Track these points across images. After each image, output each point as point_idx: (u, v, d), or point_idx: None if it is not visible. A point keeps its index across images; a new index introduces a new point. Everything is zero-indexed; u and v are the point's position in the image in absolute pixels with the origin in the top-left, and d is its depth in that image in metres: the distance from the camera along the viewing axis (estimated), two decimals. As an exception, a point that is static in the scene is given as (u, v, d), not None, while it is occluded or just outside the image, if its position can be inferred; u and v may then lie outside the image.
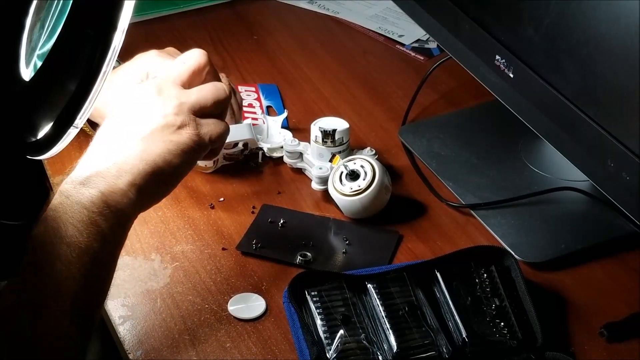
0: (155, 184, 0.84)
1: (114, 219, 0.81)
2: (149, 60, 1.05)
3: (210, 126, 0.88)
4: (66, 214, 0.80)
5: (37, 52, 0.86)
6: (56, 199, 0.81)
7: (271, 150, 1.11)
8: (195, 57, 0.92)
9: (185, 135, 0.85)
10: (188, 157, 0.86)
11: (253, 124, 1.12)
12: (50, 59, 0.82)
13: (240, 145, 1.10)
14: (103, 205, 0.80)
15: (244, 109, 1.18)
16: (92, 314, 0.81)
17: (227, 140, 1.05)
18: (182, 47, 1.10)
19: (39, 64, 0.84)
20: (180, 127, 0.85)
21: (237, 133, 1.07)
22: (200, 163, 1.10)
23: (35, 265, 0.79)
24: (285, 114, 1.15)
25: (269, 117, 1.14)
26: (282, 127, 1.14)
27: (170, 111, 0.86)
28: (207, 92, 0.89)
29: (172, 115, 0.86)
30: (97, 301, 0.82)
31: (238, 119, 1.10)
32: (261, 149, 1.11)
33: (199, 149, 0.87)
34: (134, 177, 0.82)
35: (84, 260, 0.78)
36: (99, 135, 0.87)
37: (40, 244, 0.79)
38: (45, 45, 0.85)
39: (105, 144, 0.85)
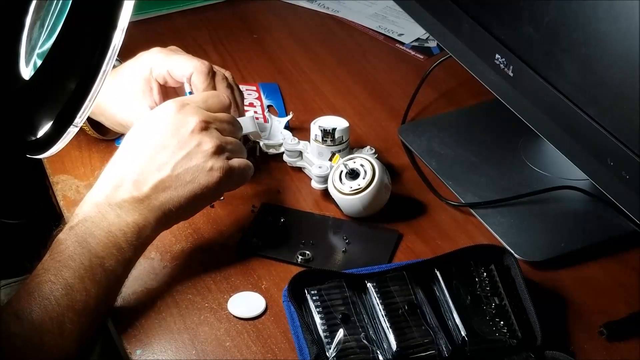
0: (179, 218, 0.92)
1: (140, 247, 0.89)
2: (152, 56, 1.06)
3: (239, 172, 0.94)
4: (101, 233, 0.86)
5: (37, 51, 0.87)
6: (89, 211, 0.87)
7: (268, 146, 1.11)
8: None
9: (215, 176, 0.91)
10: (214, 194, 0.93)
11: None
12: (50, 57, 0.82)
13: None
14: (133, 237, 0.87)
15: (245, 108, 1.18)
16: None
17: None
18: (183, 47, 1.11)
19: (39, 62, 0.84)
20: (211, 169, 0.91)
21: (242, 126, 1.07)
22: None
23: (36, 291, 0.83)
24: (290, 116, 1.15)
25: (274, 117, 1.14)
26: (284, 127, 1.14)
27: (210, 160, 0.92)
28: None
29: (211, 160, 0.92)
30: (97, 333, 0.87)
31: (241, 112, 1.10)
32: (258, 143, 1.11)
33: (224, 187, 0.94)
34: (163, 215, 0.90)
35: (102, 280, 0.85)
36: (139, 147, 0.91)
37: (66, 256, 0.84)
38: (45, 44, 0.85)
39: (147, 166, 0.90)
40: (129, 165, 0.89)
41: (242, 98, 1.10)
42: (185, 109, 0.92)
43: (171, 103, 0.92)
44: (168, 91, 1.09)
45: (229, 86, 1.07)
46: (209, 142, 0.91)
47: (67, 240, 0.84)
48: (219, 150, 0.91)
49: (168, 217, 0.90)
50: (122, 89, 1.05)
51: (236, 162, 0.93)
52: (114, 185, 0.88)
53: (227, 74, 1.08)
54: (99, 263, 0.84)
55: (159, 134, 0.90)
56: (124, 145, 0.92)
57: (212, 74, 1.05)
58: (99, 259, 0.84)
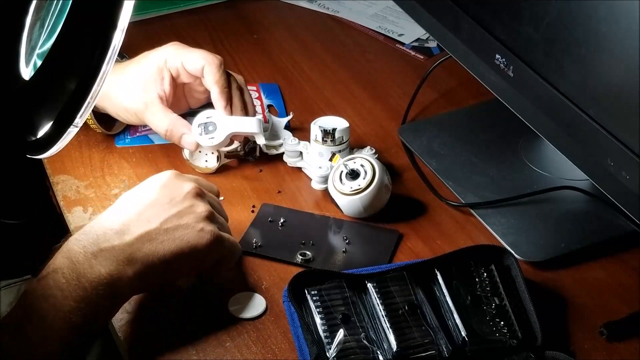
0: (161, 277, 0.87)
1: (114, 303, 0.84)
2: (169, 48, 1.09)
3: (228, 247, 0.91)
4: (69, 285, 0.80)
5: (37, 51, 0.86)
6: (61, 261, 0.82)
7: (268, 146, 1.11)
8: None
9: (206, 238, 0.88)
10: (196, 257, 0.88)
11: None
12: (50, 58, 0.82)
13: (235, 143, 1.10)
14: (106, 290, 0.82)
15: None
16: None
17: (237, 132, 1.06)
18: (182, 46, 1.11)
19: (39, 63, 0.84)
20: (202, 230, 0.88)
21: (246, 126, 1.08)
22: (201, 164, 1.10)
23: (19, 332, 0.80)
24: (290, 116, 1.15)
25: (274, 118, 1.14)
26: (284, 128, 1.14)
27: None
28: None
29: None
30: None
31: (251, 113, 1.11)
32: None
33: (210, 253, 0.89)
34: (144, 268, 0.85)
35: (70, 334, 0.80)
36: (126, 207, 0.87)
37: (30, 310, 0.80)
38: (45, 44, 0.85)
39: (129, 223, 0.86)
40: (115, 219, 0.86)
41: (251, 100, 1.11)
42: (182, 177, 0.91)
43: (169, 171, 0.91)
44: (177, 90, 1.11)
45: (239, 87, 1.10)
46: (202, 207, 0.89)
47: (33, 293, 0.80)
48: (210, 217, 0.89)
49: (148, 272, 0.84)
50: (134, 75, 1.08)
51: (226, 235, 0.90)
52: (95, 236, 0.83)
53: (239, 77, 1.11)
54: (64, 319, 0.79)
55: (152, 193, 0.88)
56: (115, 204, 0.89)
57: (223, 69, 1.08)
58: (65, 313, 0.79)
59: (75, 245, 0.83)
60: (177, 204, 0.88)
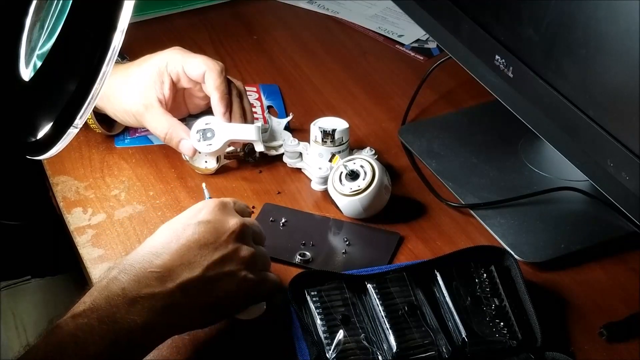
0: (195, 325, 0.86)
1: (141, 351, 0.82)
2: (171, 52, 1.09)
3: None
4: (101, 330, 0.78)
5: (37, 52, 0.86)
6: (99, 301, 0.79)
7: (268, 147, 1.11)
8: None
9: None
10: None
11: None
12: (49, 59, 0.82)
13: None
14: (136, 340, 0.80)
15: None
16: None
17: (235, 139, 1.06)
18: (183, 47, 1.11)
19: (39, 64, 0.84)
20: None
21: (245, 133, 1.08)
22: (201, 165, 1.10)
23: None
24: (290, 117, 1.15)
25: (274, 119, 1.14)
26: (284, 128, 1.14)
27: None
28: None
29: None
30: None
31: (249, 120, 1.11)
32: None
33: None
34: (181, 318, 0.83)
35: None
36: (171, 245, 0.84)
37: (57, 349, 0.77)
38: (45, 45, 0.85)
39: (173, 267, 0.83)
40: (158, 260, 0.82)
41: (250, 107, 1.11)
42: (226, 209, 0.88)
43: (213, 203, 0.88)
44: (177, 95, 1.11)
45: (239, 94, 1.10)
46: (246, 250, 0.86)
47: (64, 330, 0.78)
48: (253, 261, 0.86)
49: (184, 321, 0.83)
50: (135, 77, 1.08)
51: (267, 277, 0.89)
52: (136, 279, 0.81)
53: (239, 83, 1.11)
54: None
55: (196, 229, 0.85)
56: (155, 236, 0.86)
57: (224, 76, 1.08)
58: (91, 357, 0.77)
59: (115, 286, 0.80)
60: (221, 247, 0.85)
